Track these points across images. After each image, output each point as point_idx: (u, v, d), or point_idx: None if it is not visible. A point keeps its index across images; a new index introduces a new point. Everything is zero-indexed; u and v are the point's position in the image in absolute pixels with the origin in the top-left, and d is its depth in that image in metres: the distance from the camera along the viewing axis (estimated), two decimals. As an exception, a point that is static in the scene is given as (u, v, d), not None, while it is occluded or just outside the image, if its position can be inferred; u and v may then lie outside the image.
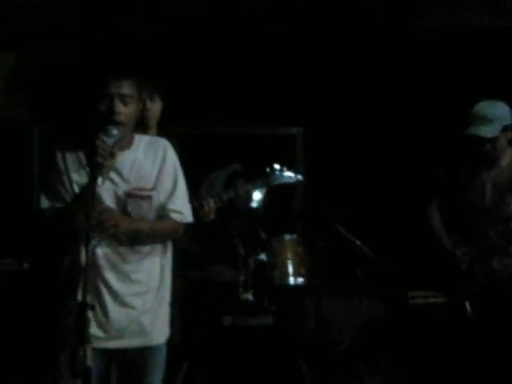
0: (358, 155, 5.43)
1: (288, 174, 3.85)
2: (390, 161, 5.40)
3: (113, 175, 2.46)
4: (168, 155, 2.55)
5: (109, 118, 2.38)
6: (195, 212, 2.96)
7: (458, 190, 3.58)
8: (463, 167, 3.60)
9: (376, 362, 4.46)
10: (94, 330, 2.33)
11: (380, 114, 5.46)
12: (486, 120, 3.37)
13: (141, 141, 2.56)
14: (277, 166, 3.82)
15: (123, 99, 2.40)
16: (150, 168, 2.50)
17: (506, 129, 3.41)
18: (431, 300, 4.50)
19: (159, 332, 2.57)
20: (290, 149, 5.38)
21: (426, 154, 5.05)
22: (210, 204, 3.41)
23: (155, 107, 3.34)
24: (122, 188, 2.45)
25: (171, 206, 2.54)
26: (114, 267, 2.46)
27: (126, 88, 2.40)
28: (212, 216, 3.43)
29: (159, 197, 2.51)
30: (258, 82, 5.39)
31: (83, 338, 2.02)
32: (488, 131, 3.36)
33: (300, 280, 4.20)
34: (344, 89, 5.38)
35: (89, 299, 2.14)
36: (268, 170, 3.80)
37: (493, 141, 3.37)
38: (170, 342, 2.62)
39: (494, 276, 3.45)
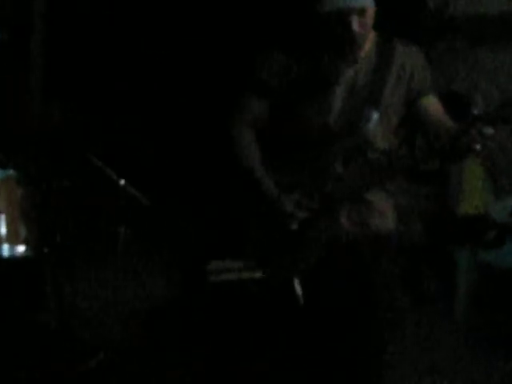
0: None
1: None
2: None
3: None
4: None
5: None
6: None
7: (287, 100, 2.31)
8: (298, 59, 2.31)
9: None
10: None
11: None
12: None
13: None
14: None
15: None
16: None
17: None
18: (240, 275, 3.30)
19: None
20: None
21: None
22: None
23: None
24: None
25: None
26: None
27: None
28: None
29: None
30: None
31: None
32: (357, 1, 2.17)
33: (20, 248, 2.67)
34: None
35: None
36: None
37: (362, 15, 2.18)
38: None
39: (340, 239, 2.33)
